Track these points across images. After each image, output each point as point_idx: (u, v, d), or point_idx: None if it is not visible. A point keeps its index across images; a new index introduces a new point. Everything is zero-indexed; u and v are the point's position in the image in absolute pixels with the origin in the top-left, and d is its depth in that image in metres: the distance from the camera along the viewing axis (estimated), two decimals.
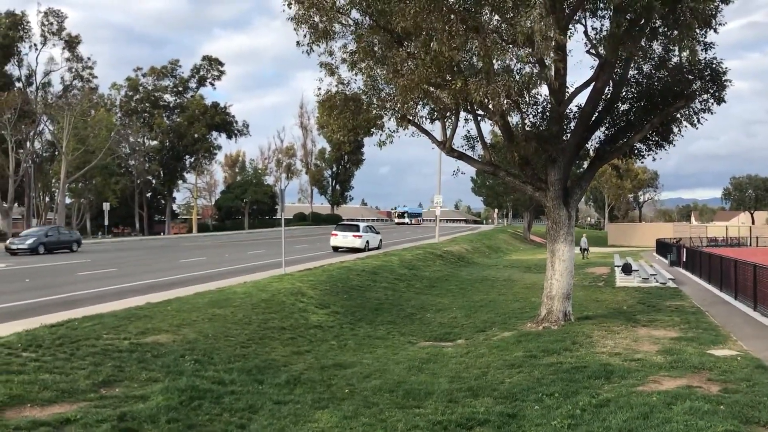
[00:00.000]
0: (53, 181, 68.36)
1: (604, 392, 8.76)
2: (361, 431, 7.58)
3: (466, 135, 16.53)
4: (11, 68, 66.44)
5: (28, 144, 62.63)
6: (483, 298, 22.60)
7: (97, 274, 23.82)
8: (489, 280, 28.88)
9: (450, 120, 15.69)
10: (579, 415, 7.78)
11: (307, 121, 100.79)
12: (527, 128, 15.12)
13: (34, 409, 7.60)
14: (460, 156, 16.13)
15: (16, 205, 63.47)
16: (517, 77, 12.22)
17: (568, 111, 15.41)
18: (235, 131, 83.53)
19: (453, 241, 48.83)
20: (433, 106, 14.31)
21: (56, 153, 64.33)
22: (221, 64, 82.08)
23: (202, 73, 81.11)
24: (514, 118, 15.08)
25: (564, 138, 15.14)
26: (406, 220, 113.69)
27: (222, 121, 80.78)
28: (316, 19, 13.66)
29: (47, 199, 74.47)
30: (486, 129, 15.99)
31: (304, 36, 13.98)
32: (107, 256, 34.27)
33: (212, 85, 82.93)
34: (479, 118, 15.43)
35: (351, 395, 9.62)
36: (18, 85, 65.64)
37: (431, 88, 12.85)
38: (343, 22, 13.66)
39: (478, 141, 16.30)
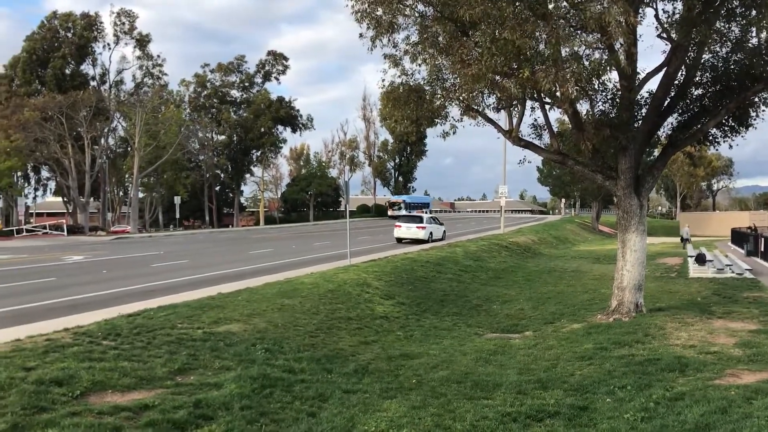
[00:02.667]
0: (126, 176, 70.87)
1: (678, 385, 8.51)
2: (429, 421, 7.58)
3: (533, 123, 16.29)
4: (86, 67, 69.33)
5: (102, 140, 65.12)
6: (551, 289, 22.28)
7: (170, 266, 24.59)
8: (556, 271, 28.43)
9: (516, 109, 15.49)
10: (653, 409, 7.59)
11: (370, 114, 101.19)
12: (597, 116, 14.78)
13: (115, 395, 7.90)
14: (527, 145, 15.91)
15: (92, 199, 66.04)
16: (586, 64, 11.96)
17: (638, 97, 14.97)
18: (300, 125, 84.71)
19: (518, 232, 48.24)
20: (499, 96, 14.13)
21: (129, 149, 66.64)
22: (285, 58, 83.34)
23: (267, 68, 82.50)
24: (582, 106, 14.76)
25: (635, 125, 14.73)
26: (403, 212, 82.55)
27: (287, 115, 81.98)
28: (380, 12, 13.64)
29: (121, 193, 77.37)
30: (553, 117, 15.71)
31: (368, 29, 13.99)
32: (179, 248, 35.31)
33: (277, 80, 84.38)
34: (546, 106, 15.17)
35: (419, 385, 9.65)
36: (93, 83, 68.32)
37: (497, 77, 12.69)
38: (407, 13, 13.62)
39: (545, 129, 16.03)
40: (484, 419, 7.62)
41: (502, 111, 16.00)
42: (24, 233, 51.95)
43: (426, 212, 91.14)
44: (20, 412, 6.84)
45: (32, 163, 66.05)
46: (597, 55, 12.44)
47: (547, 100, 14.60)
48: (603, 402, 8.15)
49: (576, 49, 11.66)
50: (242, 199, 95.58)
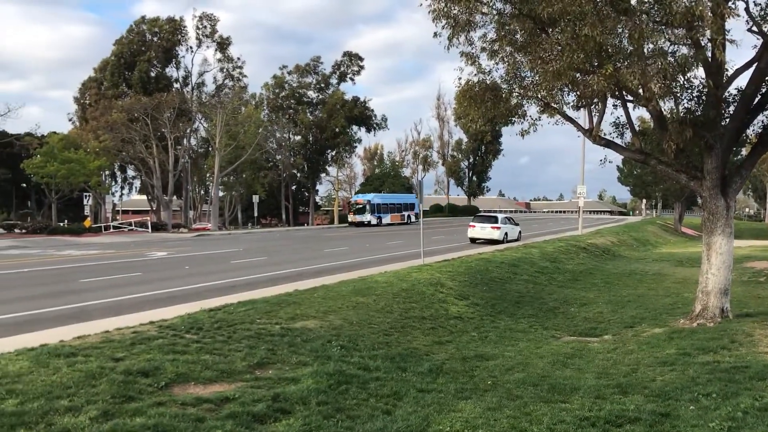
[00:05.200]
0: (207, 175, 73.20)
1: None
2: (505, 423, 7.50)
3: (614, 122, 15.85)
4: (170, 70, 72.05)
5: (185, 141, 67.34)
6: (631, 292, 21.66)
7: (248, 263, 25.22)
8: (637, 273, 27.62)
9: (597, 107, 15.12)
10: (741, 418, 7.26)
11: (444, 113, 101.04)
12: (681, 114, 14.26)
13: (197, 386, 8.17)
14: (608, 144, 15.51)
15: (175, 197, 68.43)
16: (671, 60, 11.56)
17: (726, 94, 14.35)
18: (374, 125, 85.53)
19: (597, 233, 47.10)
20: (579, 93, 13.83)
21: (210, 149, 68.72)
22: (361, 59, 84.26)
23: (342, 69, 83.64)
24: (667, 104, 14.27)
25: (722, 123, 14.13)
26: (368, 217, 64.65)
27: (361, 115, 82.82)
28: (456, 11, 13.60)
29: (202, 192, 79.88)
30: (635, 115, 15.25)
31: (443, 28, 13.97)
32: (257, 246, 36.15)
33: (352, 80, 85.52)
34: (629, 104, 14.74)
35: (494, 387, 9.56)
36: (176, 85, 70.87)
37: (578, 75, 12.43)
38: (485, 11, 13.52)
39: (627, 128, 15.58)
40: (561, 423, 7.49)
41: (582, 109, 15.67)
42: (111, 230, 54.31)
43: (409, 215, 70.70)
44: (110, 400, 7.16)
45: (119, 163, 69.13)
46: (683, 50, 12.01)
47: (630, 97, 14.19)
48: (686, 409, 7.87)
49: (660, 44, 11.30)
50: (317, 198, 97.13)
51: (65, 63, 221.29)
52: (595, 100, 14.75)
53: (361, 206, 65.48)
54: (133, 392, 7.54)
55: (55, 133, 62.26)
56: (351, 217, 66.82)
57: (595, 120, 15.34)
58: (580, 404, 8.36)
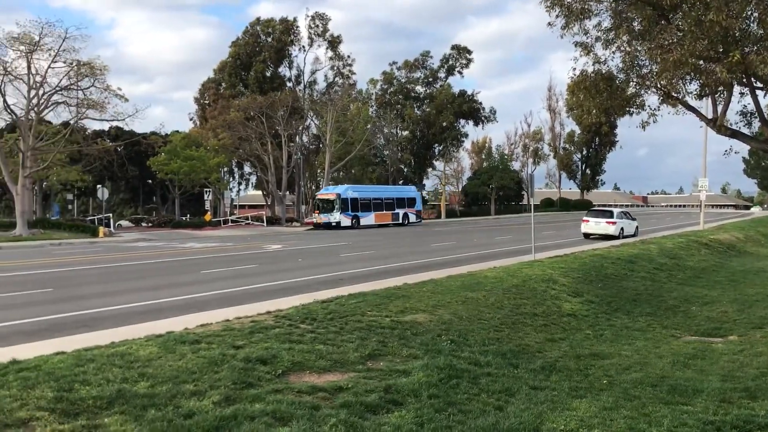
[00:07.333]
0: (318, 171, 74.97)
1: None
2: (622, 423, 7.26)
3: (741, 111, 14.96)
4: (283, 70, 74.26)
5: (297, 138, 69.27)
6: (759, 291, 20.33)
7: (357, 256, 25.67)
8: (766, 271, 25.91)
9: (722, 95, 14.30)
10: None
11: (555, 104, 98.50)
12: None
13: (311, 375, 8.38)
14: (734, 134, 14.63)
15: (288, 192, 70.60)
16: None
17: None
18: (482, 118, 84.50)
19: (720, 229, 44.54)
20: (703, 82, 13.14)
21: (320, 145, 70.32)
22: (469, 52, 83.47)
23: (450, 62, 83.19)
24: None
25: None
26: (336, 217, 50.78)
27: (469, 109, 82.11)
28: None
29: (313, 187, 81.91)
30: (764, 103, 14.29)
31: (557, 17, 13.68)
32: (365, 240, 36.72)
33: (460, 73, 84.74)
34: (758, 91, 13.85)
35: (610, 386, 9.27)
36: (289, 84, 72.99)
37: (701, 62, 11.81)
38: None
39: (755, 117, 14.66)
40: (683, 426, 7.16)
41: (705, 98, 14.86)
42: (229, 223, 56.81)
43: (406, 213, 56.69)
44: (231, 386, 7.49)
45: (236, 160, 72.10)
46: None
47: (759, 84, 13.33)
48: None
49: None
50: (424, 193, 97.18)
51: (187, 65, 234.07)
52: (720, 89, 13.97)
53: (328, 202, 51.52)
54: (252, 379, 7.84)
55: (177, 132, 65.93)
56: (316, 217, 52.92)
57: (719, 109, 14.53)
58: (703, 407, 7.98)
